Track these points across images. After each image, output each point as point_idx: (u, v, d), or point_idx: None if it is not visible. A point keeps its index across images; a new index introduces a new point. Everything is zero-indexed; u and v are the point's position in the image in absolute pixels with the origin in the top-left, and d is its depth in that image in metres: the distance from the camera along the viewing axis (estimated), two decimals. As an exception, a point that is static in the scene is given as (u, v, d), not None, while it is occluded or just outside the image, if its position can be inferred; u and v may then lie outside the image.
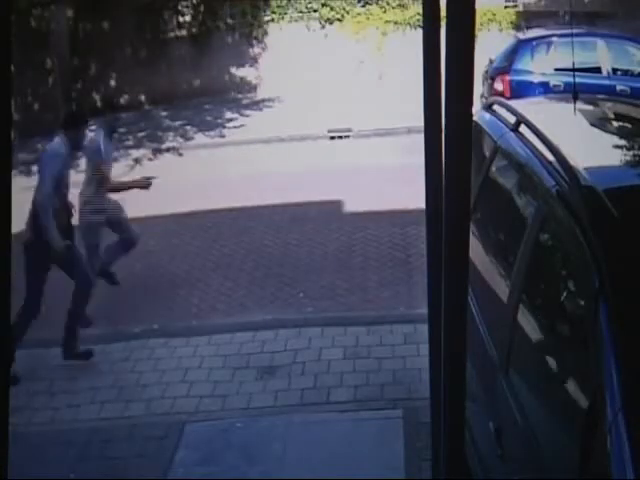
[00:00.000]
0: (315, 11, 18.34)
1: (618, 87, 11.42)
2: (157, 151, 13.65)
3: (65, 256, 6.01)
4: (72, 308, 6.22)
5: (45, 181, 5.90)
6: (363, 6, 18.41)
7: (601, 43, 11.96)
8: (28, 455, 4.68)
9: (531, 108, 4.23)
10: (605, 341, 2.19)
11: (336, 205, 9.56)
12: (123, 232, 7.36)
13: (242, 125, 14.89)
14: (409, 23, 17.89)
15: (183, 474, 4.75)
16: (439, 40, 1.33)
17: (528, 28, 15.35)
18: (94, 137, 7.07)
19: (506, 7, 18.21)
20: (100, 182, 6.95)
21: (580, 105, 3.81)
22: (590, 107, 4.23)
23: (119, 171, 12.62)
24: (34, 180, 12.96)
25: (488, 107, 4.38)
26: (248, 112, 15.95)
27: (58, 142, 6.09)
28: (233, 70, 18.20)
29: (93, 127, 7.58)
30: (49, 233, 5.86)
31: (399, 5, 18.23)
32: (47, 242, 5.88)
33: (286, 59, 17.11)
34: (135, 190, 7.44)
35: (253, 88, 18.09)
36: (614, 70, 11.90)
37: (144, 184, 7.26)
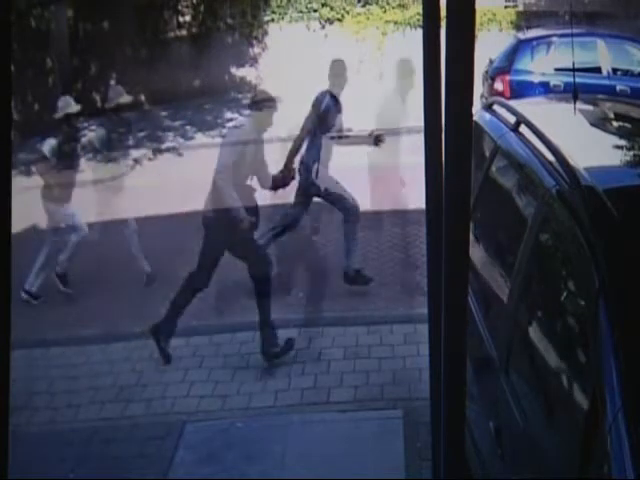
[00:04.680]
0: (315, 11, 18.33)
1: (618, 87, 11.42)
2: (157, 151, 13.65)
3: (246, 234, 5.89)
4: (261, 300, 6.02)
5: (225, 154, 5.86)
6: (363, 6, 18.40)
7: (601, 43, 11.95)
8: (28, 455, 4.68)
9: (531, 108, 4.23)
10: (605, 341, 2.19)
11: (336, 205, 9.53)
12: (339, 201, 7.21)
13: (242, 125, 14.87)
14: (409, 23, 17.88)
15: (183, 474, 4.75)
16: (439, 40, 1.33)
17: (528, 28, 15.35)
18: (320, 97, 7.01)
19: (506, 7, 18.21)
20: (318, 144, 6.89)
21: (580, 105, 3.81)
22: (590, 107, 4.23)
23: (119, 171, 12.63)
24: (34, 180, 12.97)
25: (488, 107, 4.38)
26: (248, 112, 15.93)
27: (245, 120, 6.06)
28: (233, 70, 18.20)
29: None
30: (232, 204, 5.77)
31: (399, 5, 18.23)
32: (228, 218, 5.77)
33: (286, 59, 17.10)
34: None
35: (253, 88, 18.08)
36: (614, 70, 11.90)
37: (376, 139, 6.97)
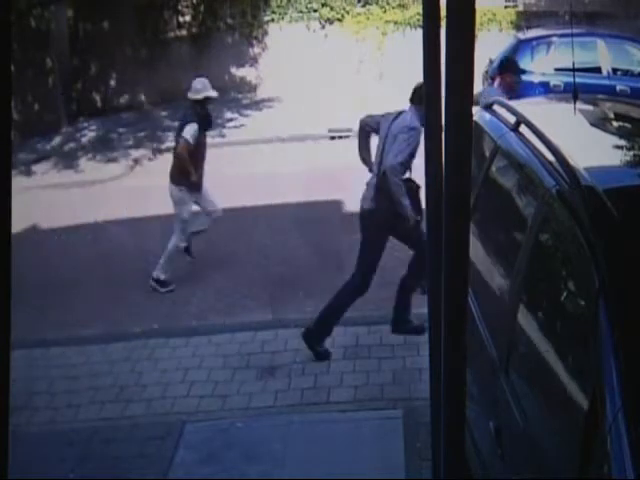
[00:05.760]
0: (315, 11, 18.33)
1: (618, 87, 11.43)
2: (157, 151, 13.64)
3: (410, 230, 5.86)
4: (407, 278, 6.09)
5: (401, 152, 5.74)
6: (363, 6, 18.40)
7: (601, 43, 11.96)
8: (28, 455, 4.68)
9: (531, 108, 4.23)
10: (605, 341, 2.19)
11: (336, 205, 9.55)
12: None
13: (242, 125, 14.89)
14: (409, 23, 17.88)
15: (183, 474, 4.75)
16: (439, 40, 1.33)
17: (528, 28, 15.36)
18: None
19: (506, 7, 18.21)
20: None
21: (580, 105, 3.81)
22: (590, 107, 4.23)
23: (119, 171, 12.65)
24: (34, 180, 12.94)
25: (488, 107, 4.38)
26: (248, 112, 15.94)
27: (410, 115, 5.85)
28: (233, 70, 18.20)
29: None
30: (401, 200, 5.71)
31: (399, 5, 18.23)
32: (396, 217, 5.75)
33: (286, 59, 17.11)
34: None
35: (253, 88, 18.09)
36: (614, 70, 11.90)
37: None
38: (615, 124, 4.15)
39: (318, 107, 14.96)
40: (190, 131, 7.45)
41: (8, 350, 1.04)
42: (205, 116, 7.65)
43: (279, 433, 5.05)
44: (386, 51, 17.81)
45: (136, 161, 13.16)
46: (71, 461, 4.91)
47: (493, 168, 3.87)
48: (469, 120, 1.15)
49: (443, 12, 1.20)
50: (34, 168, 12.82)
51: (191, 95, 7.58)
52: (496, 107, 4.20)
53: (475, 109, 4.13)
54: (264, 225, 9.25)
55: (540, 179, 3.05)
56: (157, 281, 7.54)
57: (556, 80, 11.20)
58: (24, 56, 13.68)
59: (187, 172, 7.49)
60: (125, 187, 11.52)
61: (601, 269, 2.33)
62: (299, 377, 5.70)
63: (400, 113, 6.01)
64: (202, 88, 7.53)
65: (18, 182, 11.11)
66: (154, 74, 16.89)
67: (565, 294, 2.80)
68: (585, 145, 3.33)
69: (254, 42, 18.32)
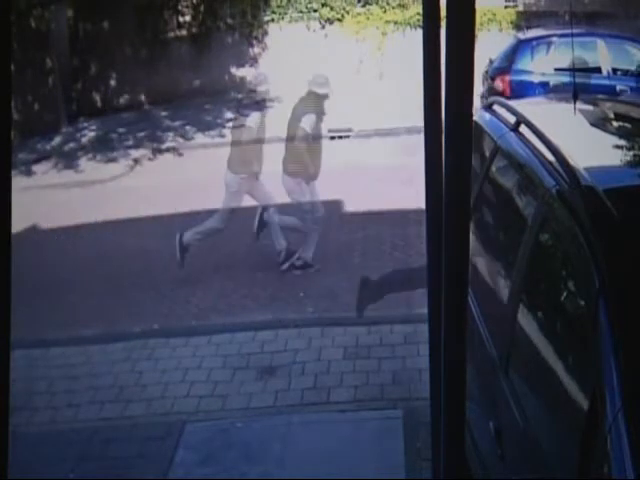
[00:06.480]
0: (315, 11, 18.34)
1: (618, 87, 11.43)
2: (157, 151, 13.65)
3: None
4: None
5: None
6: (363, 6, 18.41)
7: (601, 43, 11.97)
8: (28, 455, 4.68)
9: (531, 108, 4.23)
10: (605, 341, 2.19)
11: (336, 205, 9.55)
12: None
13: (242, 125, 14.88)
14: (409, 23, 17.89)
15: (183, 474, 4.75)
16: (439, 40, 1.33)
17: (528, 28, 15.36)
18: None
19: (506, 7, 18.22)
20: None
21: (580, 105, 3.81)
22: (590, 107, 4.23)
23: (119, 171, 12.65)
24: (34, 180, 12.92)
25: (488, 107, 4.38)
26: (248, 112, 15.92)
27: None
28: (233, 70, 18.20)
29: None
30: None
31: (399, 5, 18.24)
32: None
33: (286, 59, 17.11)
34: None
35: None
36: (614, 70, 11.91)
37: None
38: (615, 124, 4.15)
39: (318, 107, 14.94)
40: (309, 122, 7.43)
41: (8, 350, 1.04)
42: (322, 111, 7.59)
43: (279, 433, 5.05)
44: (386, 51, 17.81)
45: (136, 161, 13.17)
46: (71, 461, 4.91)
47: (493, 168, 3.86)
48: (469, 120, 1.15)
49: (443, 12, 1.19)
50: (34, 168, 12.82)
51: (314, 88, 7.56)
52: (496, 107, 4.20)
53: (475, 109, 4.13)
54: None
55: (540, 179, 3.05)
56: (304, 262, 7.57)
57: (556, 80, 11.19)
58: (24, 56, 13.68)
59: (303, 163, 7.48)
60: (125, 187, 11.53)
61: (601, 269, 2.33)
62: (299, 377, 5.70)
63: None
64: (325, 83, 7.54)
65: (18, 182, 11.11)
66: (154, 74, 16.88)
67: (565, 294, 2.80)
68: (585, 145, 3.33)
69: (254, 42, 18.32)
